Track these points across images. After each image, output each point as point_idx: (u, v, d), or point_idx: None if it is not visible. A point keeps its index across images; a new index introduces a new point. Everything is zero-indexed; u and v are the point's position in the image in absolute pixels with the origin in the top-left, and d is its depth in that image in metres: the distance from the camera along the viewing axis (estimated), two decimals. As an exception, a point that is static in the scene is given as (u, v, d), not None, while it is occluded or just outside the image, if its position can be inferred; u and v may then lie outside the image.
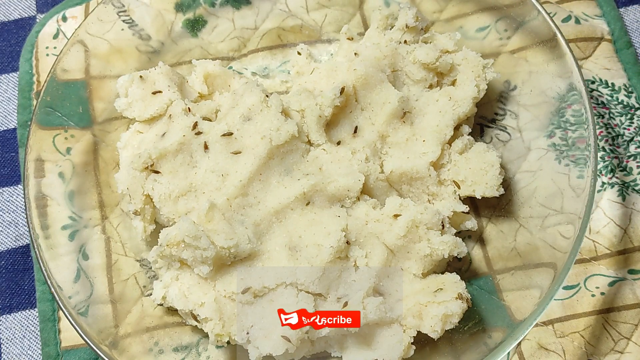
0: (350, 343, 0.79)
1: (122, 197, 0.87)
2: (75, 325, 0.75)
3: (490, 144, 0.90)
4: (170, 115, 0.87)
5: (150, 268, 0.85)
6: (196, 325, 0.81)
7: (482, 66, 0.88)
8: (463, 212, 0.83)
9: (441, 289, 0.79)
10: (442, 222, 0.81)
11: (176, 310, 0.81)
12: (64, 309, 0.75)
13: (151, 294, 0.83)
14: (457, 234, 0.84)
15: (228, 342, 0.78)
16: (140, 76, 0.90)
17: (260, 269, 0.80)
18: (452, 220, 0.84)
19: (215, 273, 0.79)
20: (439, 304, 0.76)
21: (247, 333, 0.77)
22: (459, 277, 0.80)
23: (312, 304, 0.78)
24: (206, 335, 0.80)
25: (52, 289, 0.76)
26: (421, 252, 0.80)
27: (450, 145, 0.86)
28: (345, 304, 0.77)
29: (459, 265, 0.86)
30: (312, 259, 0.79)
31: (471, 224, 0.85)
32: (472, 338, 0.77)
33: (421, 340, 0.78)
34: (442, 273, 0.82)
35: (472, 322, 0.79)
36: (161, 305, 0.82)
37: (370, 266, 0.80)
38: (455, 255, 0.80)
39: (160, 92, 0.89)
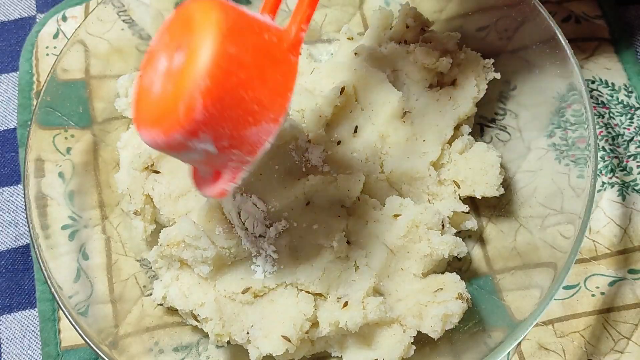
0: (350, 343, 0.79)
1: (122, 197, 0.87)
2: (75, 325, 0.75)
3: (490, 143, 0.90)
4: None
5: (150, 268, 0.85)
6: (196, 325, 0.81)
7: (482, 66, 0.88)
8: (463, 212, 0.83)
9: (441, 289, 0.79)
10: (442, 222, 0.81)
11: (176, 310, 0.81)
12: (64, 309, 0.75)
13: (151, 294, 0.83)
14: (457, 234, 0.84)
15: (228, 342, 0.78)
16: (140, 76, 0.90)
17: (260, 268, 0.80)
18: (452, 220, 0.84)
19: (216, 273, 0.79)
20: (439, 304, 0.76)
21: (247, 333, 0.77)
22: (459, 277, 0.80)
23: (313, 303, 0.78)
24: (206, 335, 0.80)
25: (52, 289, 0.76)
26: (421, 252, 0.80)
27: (450, 145, 0.86)
28: (346, 304, 0.77)
29: (459, 265, 0.86)
30: (312, 259, 0.79)
31: (471, 223, 0.85)
32: (472, 338, 0.77)
33: (421, 340, 0.78)
34: (442, 273, 0.82)
35: (472, 322, 0.79)
36: (161, 305, 0.82)
37: (370, 266, 0.80)
38: (455, 255, 0.80)
39: None
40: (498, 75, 0.88)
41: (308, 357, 0.81)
